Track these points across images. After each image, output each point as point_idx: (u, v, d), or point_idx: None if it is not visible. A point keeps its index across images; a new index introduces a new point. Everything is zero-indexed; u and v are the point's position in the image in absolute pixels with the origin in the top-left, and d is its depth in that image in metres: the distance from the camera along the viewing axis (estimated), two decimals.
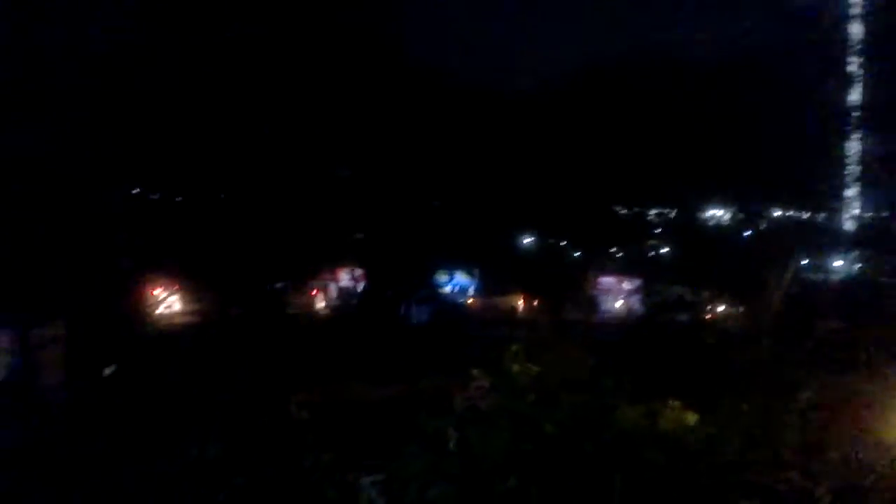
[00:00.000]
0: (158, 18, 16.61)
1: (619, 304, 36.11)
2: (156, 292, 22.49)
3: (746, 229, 39.54)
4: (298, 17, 21.28)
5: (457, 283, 34.71)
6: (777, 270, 30.54)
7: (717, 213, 41.55)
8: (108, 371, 7.08)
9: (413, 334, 28.22)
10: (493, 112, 36.88)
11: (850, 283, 38.71)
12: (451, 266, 34.09)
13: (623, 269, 37.78)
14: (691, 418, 8.81)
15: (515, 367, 6.85)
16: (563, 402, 6.04)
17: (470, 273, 34.88)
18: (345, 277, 31.99)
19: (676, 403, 9.23)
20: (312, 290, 29.17)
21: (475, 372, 6.21)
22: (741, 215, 39.89)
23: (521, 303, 33.95)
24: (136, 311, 17.12)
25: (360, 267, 31.29)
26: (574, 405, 5.93)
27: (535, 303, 33.44)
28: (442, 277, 34.11)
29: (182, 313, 22.41)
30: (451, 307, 32.72)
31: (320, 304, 30.37)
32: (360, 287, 31.29)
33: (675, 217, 42.51)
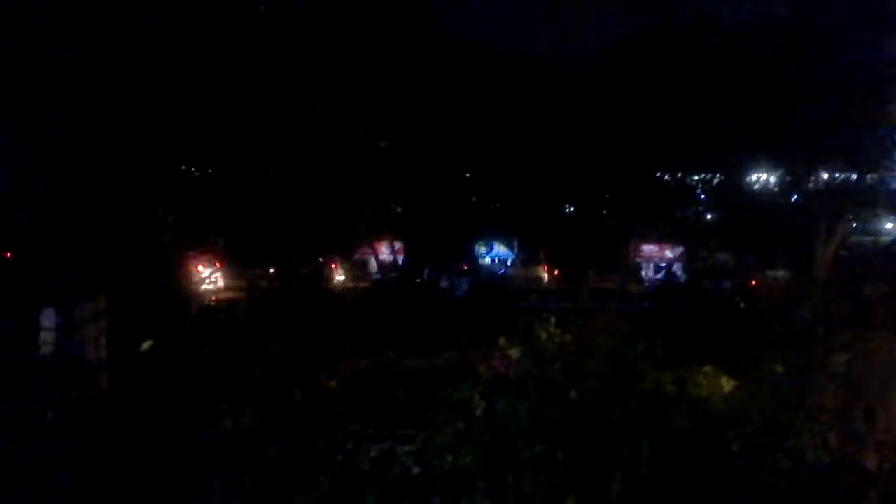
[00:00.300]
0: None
1: (661, 271, 35.70)
2: (199, 269, 22.91)
3: (793, 193, 38.46)
4: None
5: (496, 255, 34.64)
6: (824, 234, 29.76)
7: (763, 177, 40.45)
8: (145, 346, 7.25)
9: (452, 306, 28.32)
10: (531, 81, 36.36)
11: None
12: (490, 237, 34.00)
13: (666, 237, 37.26)
14: (726, 384, 8.72)
15: (544, 336, 6.84)
16: (590, 369, 6.01)
17: (509, 244, 34.78)
18: (384, 251, 32.13)
19: (709, 369, 9.15)
20: (332, 262, 29.20)
21: (502, 341, 6.22)
22: (788, 178, 38.78)
23: (545, 273, 33.66)
24: (180, 287, 17.46)
25: (400, 240, 31.39)
26: (601, 372, 5.89)
27: (558, 272, 33.17)
28: (481, 249, 34.08)
29: (225, 289, 22.83)
30: (490, 278, 32.70)
31: (339, 276, 30.36)
32: (400, 260, 31.41)
33: (719, 182, 41.53)
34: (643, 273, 35.78)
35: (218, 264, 21.87)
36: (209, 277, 23.18)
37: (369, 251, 31.12)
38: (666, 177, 41.95)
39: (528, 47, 40.55)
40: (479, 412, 5.68)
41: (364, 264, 31.90)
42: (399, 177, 24.12)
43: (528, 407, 5.55)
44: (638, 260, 36.11)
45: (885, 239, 39.97)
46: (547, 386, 5.74)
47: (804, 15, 32.58)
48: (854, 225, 40.85)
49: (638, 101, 36.88)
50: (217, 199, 19.61)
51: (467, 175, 30.94)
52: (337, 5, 20.35)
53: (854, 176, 35.23)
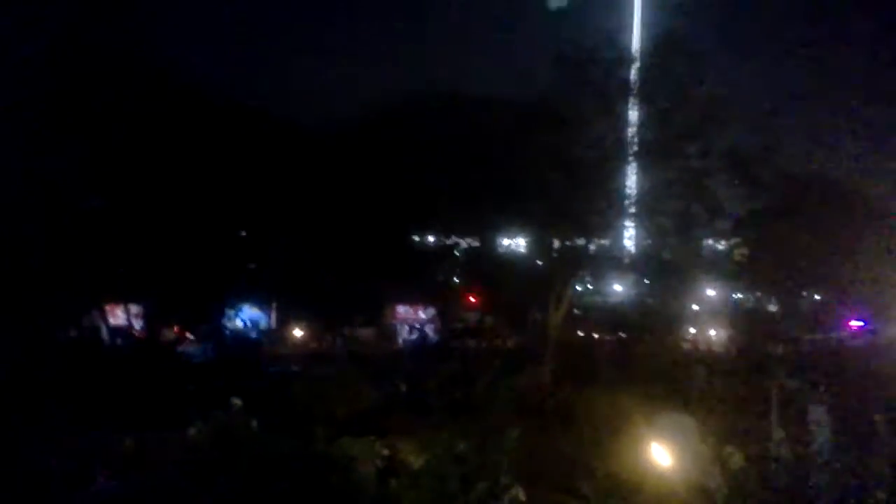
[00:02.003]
0: None
1: (415, 332, 36.46)
2: None
3: (538, 257, 41.26)
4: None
5: (246, 318, 33.11)
6: (556, 294, 32.03)
7: (513, 242, 43.09)
8: None
9: (194, 373, 26.48)
10: (289, 144, 35.89)
11: (623, 305, 41.83)
12: (239, 299, 32.43)
13: (420, 298, 38.22)
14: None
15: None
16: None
17: (261, 306, 33.43)
18: (119, 315, 29.29)
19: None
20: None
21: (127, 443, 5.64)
22: (534, 244, 41.57)
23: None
24: None
25: (137, 303, 28.85)
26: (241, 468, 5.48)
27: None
28: (229, 311, 32.36)
29: None
30: (239, 342, 31.16)
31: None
32: (139, 325, 28.83)
33: (471, 247, 43.52)
34: (398, 334, 36.27)
35: None
36: None
37: (99, 315, 28.06)
38: (421, 240, 43.25)
39: (288, 111, 40.21)
40: None
41: (96, 330, 28.78)
42: (128, 237, 22.23)
43: None
44: (393, 322, 36.60)
45: (612, 300, 44.23)
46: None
47: (543, 98, 35.12)
48: (589, 286, 44.79)
49: (392, 166, 37.81)
50: None
51: (215, 234, 29.40)
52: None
53: (587, 243, 38.70)
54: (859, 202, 43.27)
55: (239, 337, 31.62)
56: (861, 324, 44.15)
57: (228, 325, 31.65)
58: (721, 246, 45.39)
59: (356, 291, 34.08)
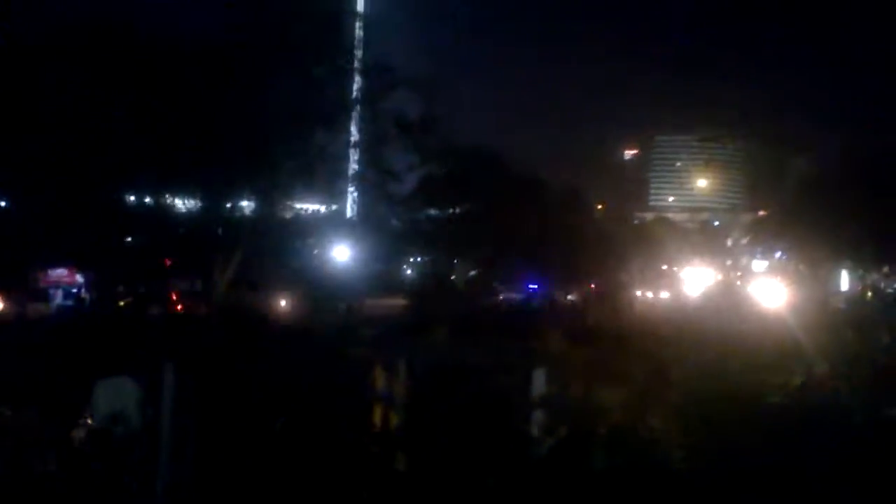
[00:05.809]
0: None
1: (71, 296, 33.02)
2: None
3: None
4: None
5: None
6: (223, 260, 30.81)
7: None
8: None
9: None
10: None
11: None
12: None
13: (84, 261, 34.66)
14: None
15: None
16: None
17: None
18: None
19: None
20: None
21: None
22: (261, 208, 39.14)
23: None
24: None
25: None
26: None
27: None
28: None
29: None
30: None
31: None
32: None
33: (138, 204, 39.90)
34: (52, 298, 32.57)
35: None
36: None
37: None
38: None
39: None
40: None
41: None
42: None
43: None
44: (44, 285, 32.77)
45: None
46: None
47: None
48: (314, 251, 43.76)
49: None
50: None
51: None
52: None
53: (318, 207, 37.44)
54: (528, 179, 47.26)
55: None
56: (535, 286, 48.49)
57: None
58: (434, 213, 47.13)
59: None
